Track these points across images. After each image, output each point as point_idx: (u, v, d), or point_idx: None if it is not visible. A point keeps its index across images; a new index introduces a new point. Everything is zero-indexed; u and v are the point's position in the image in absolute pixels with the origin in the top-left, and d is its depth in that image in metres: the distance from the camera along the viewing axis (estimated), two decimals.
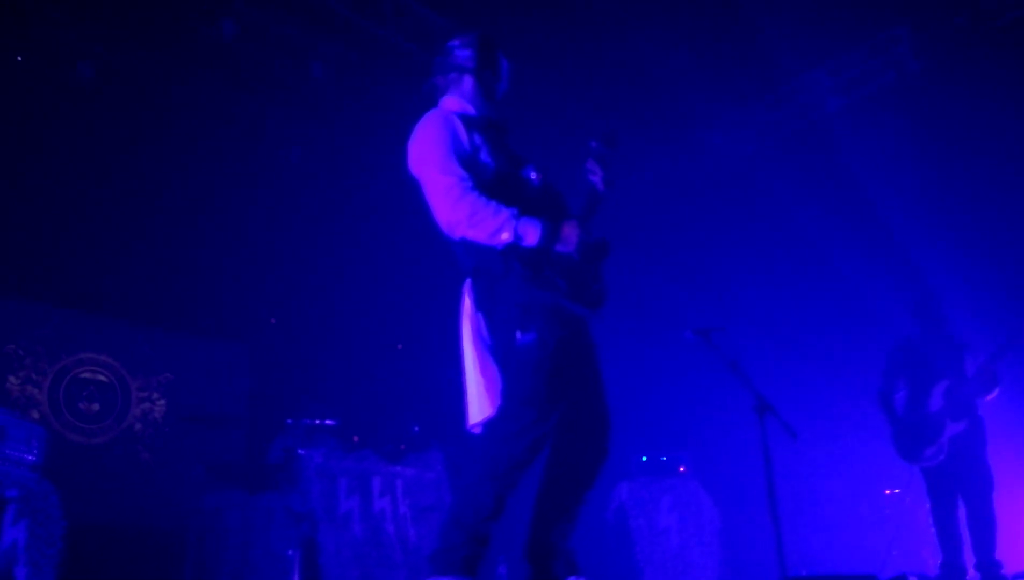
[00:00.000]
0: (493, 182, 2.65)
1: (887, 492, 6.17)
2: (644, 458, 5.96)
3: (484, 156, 2.70)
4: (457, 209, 2.56)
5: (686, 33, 6.07)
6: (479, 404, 2.63)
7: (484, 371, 2.64)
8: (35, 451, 3.62)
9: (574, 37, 6.08)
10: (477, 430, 2.68)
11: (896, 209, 6.24)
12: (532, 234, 2.53)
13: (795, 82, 6.69)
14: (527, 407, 2.52)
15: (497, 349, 2.65)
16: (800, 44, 6.21)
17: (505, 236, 2.53)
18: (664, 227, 7.58)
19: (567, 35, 6.04)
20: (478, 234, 2.56)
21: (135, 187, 6.31)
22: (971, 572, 4.54)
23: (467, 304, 2.71)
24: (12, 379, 5.95)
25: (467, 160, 2.65)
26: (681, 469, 5.92)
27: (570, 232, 2.56)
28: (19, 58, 5.57)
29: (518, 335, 2.57)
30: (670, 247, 7.47)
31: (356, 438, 5.30)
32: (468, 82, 2.87)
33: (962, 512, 4.64)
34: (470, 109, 2.84)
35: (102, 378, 6.44)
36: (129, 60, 5.81)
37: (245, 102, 6.37)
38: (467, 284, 2.72)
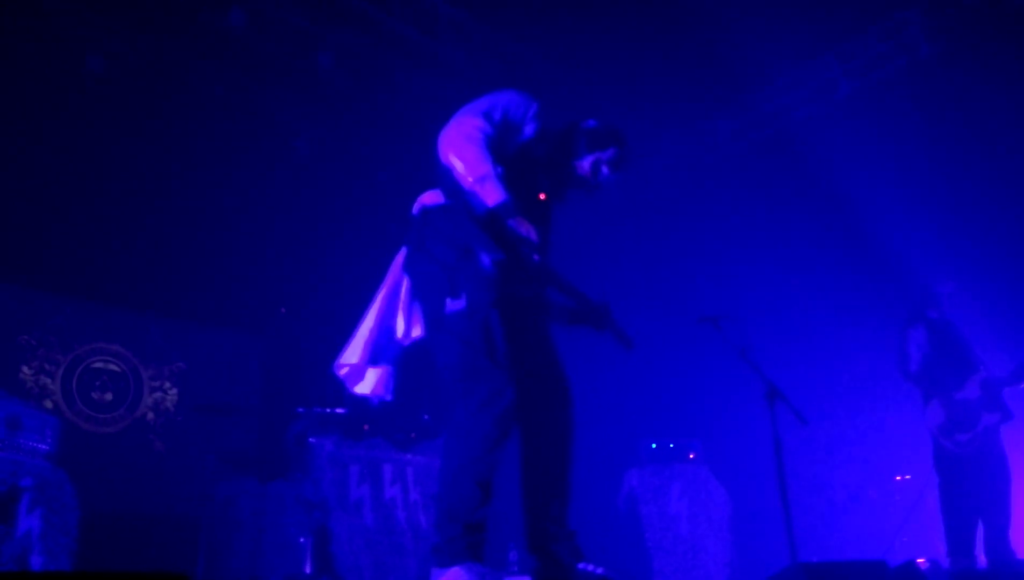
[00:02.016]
0: (509, 157, 2.66)
1: (897, 478, 6.16)
2: (654, 445, 5.96)
3: (521, 139, 2.73)
4: (460, 131, 2.60)
5: (695, 18, 6.03)
6: (354, 350, 2.70)
7: (377, 325, 2.70)
8: (49, 440, 3.66)
9: (583, 25, 6.05)
10: (342, 376, 2.75)
11: (908, 195, 6.20)
12: (493, 194, 2.51)
13: (805, 67, 6.64)
14: (476, 383, 2.50)
15: (428, 320, 2.66)
16: (810, 29, 6.16)
17: (472, 179, 2.53)
18: (674, 214, 7.56)
19: (576, 21, 6.01)
20: (458, 161, 2.56)
21: (146, 178, 6.34)
22: (981, 556, 4.54)
23: (401, 259, 2.76)
24: (25, 369, 6.00)
25: (508, 127, 2.70)
26: (691, 456, 5.92)
27: (523, 223, 2.51)
28: (29, 51, 5.58)
29: (448, 302, 2.55)
30: (680, 234, 7.44)
31: (366, 426, 5.32)
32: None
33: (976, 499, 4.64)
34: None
35: (115, 368, 6.49)
36: (138, 51, 5.81)
37: (254, 92, 6.38)
38: (402, 251, 2.77)
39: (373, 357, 2.71)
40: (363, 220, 7.27)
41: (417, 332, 2.74)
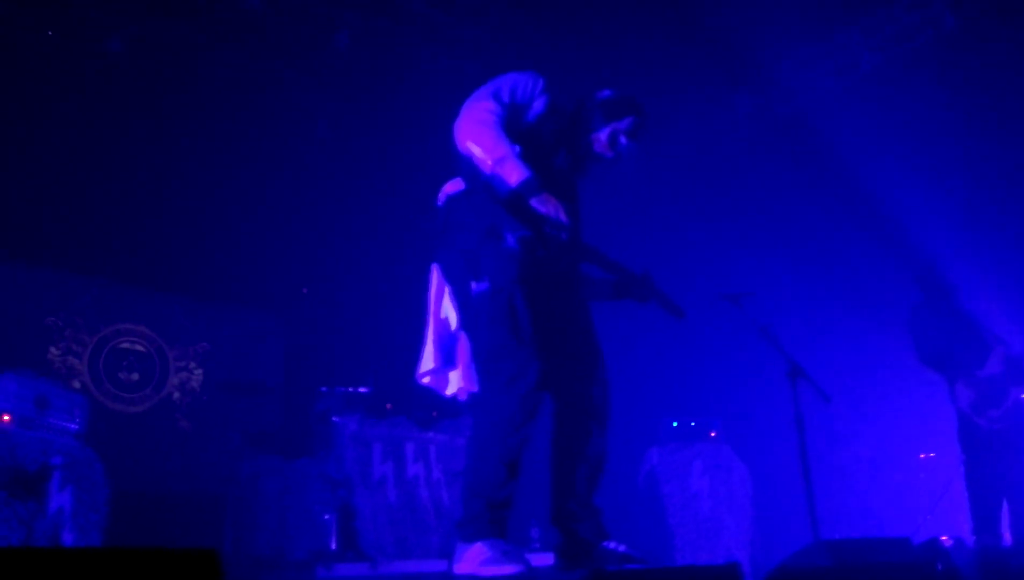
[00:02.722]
0: (523, 135, 2.66)
1: (921, 456, 6.13)
2: (675, 423, 5.96)
3: (531, 116, 2.72)
4: (473, 115, 2.59)
5: None
6: (426, 356, 2.70)
7: (438, 325, 2.70)
8: (78, 420, 3.71)
9: (602, 1, 5.99)
10: (428, 384, 2.74)
11: (932, 169, 6.11)
12: (516, 173, 2.49)
13: (828, 42, 6.54)
14: (501, 363, 2.50)
15: (459, 305, 2.67)
16: (833, 1, 6.06)
17: (491, 161, 2.51)
18: (694, 192, 7.50)
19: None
20: (475, 146, 2.55)
21: (169, 161, 6.38)
22: (1007, 534, 4.52)
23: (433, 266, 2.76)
24: (53, 350, 6.09)
25: (518, 106, 2.69)
26: (712, 434, 5.91)
27: (551, 199, 2.49)
28: (51, 34, 5.62)
29: (472, 286, 2.55)
30: (700, 211, 7.39)
31: (389, 405, 5.36)
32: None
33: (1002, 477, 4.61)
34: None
35: (140, 348, 6.57)
36: (157, 33, 5.84)
37: (272, 73, 6.39)
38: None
39: (446, 359, 2.70)
40: (383, 200, 7.29)
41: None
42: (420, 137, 6.68)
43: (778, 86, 6.95)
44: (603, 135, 2.79)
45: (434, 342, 2.70)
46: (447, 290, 2.71)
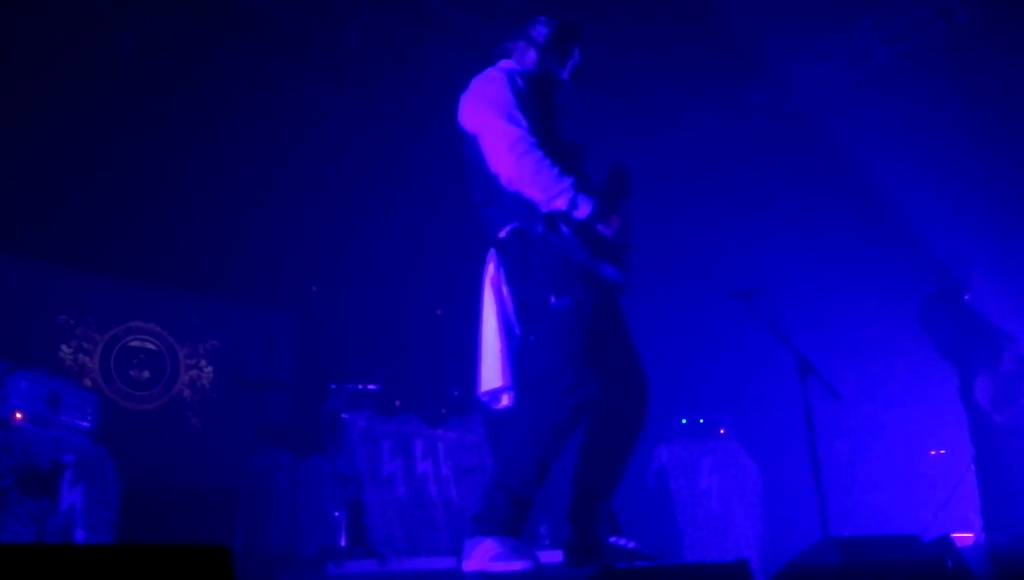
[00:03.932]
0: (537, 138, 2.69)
1: (932, 453, 6.10)
2: (684, 420, 5.95)
3: (532, 112, 2.73)
4: (522, 164, 2.60)
5: None
6: (493, 374, 2.66)
7: (503, 343, 2.68)
8: (89, 417, 3.74)
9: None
10: (484, 398, 2.72)
11: (944, 163, 6.08)
12: (585, 209, 2.60)
13: (839, 35, 6.51)
14: (566, 370, 2.54)
15: (532, 315, 2.67)
16: None
17: (560, 202, 2.59)
18: (706, 188, 7.48)
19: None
20: (536, 193, 2.60)
21: (179, 158, 6.40)
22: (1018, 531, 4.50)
23: (491, 273, 2.74)
24: (65, 348, 6.13)
25: (523, 108, 2.70)
26: (721, 431, 5.90)
27: (616, 220, 2.63)
28: (64, 32, 5.64)
29: (552, 299, 2.59)
30: (712, 207, 7.37)
31: (398, 402, 5.38)
32: (531, 57, 2.90)
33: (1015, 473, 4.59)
34: (522, 71, 2.87)
35: (151, 346, 6.60)
36: (168, 30, 5.86)
37: (283, 69, 6.40)
38: (491, 253, 2.75)
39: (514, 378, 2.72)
40: (393, 197, 7.30)
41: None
42: (431, 134, 6.70)
43: (788, 80, 6.92)
44: (566, 75, 2.91)
45: (504, 360, 2.68)
46: (512, 306, 2.71)
